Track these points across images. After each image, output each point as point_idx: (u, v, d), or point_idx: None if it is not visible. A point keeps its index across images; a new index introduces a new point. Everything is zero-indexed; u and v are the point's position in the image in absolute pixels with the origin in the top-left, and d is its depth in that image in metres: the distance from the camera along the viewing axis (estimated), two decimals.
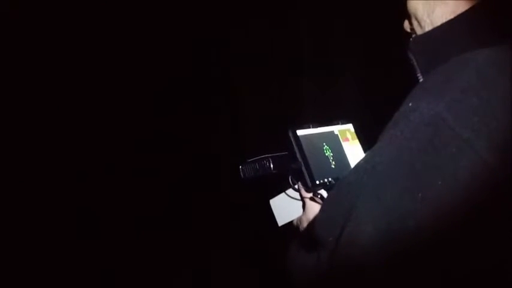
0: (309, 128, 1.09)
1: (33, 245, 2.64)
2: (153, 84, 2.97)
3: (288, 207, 1.17)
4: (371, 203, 0.74)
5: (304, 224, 1.11)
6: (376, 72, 2.42)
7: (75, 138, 2.81)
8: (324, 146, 1.10)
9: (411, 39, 0.92)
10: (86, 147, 2.83)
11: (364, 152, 1.16)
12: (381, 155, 0.78)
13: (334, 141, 1.13)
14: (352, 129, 1.19)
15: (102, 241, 2.78)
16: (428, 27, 0.87)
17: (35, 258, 2.63)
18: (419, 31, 0.89)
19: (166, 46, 2.94)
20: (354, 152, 1.15)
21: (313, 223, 0.89)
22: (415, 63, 0.89)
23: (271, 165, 1.12)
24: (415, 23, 0.91)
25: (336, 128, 1.15)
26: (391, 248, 0.72)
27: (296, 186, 1.11)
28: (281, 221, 1.20)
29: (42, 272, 2.63)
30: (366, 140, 1.17)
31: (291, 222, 1.18)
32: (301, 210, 1.14)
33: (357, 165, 0.84)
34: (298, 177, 1.07)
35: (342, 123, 1.17)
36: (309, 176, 1.04)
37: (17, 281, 2.56)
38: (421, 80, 0.88)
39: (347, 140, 1.16)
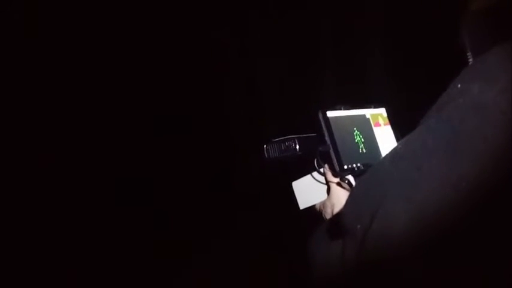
0: (340, 109, 1.05)
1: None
2: (170, 68, 2.94)
3: (311, 190, 1.13)
4: (407, 192, 0.69)
5: (328, 209, 1.07)
6: (412, 57, 2.34)
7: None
8: (354, 129, 1.05)
9: (466, 15, 0.85)
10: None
11: (396, 139, 1.11)
12: (423, 139, 0.72)
13: (365, 126, 1.08)
14: (385, 114, 1.13)
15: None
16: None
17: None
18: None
19: (183, 30, 2.90)
20: (385, 138, 1.10)
21: (341, 209, 0.84)
22: (466, 43, 0.82)
23: (297, 147, 1.08)
24: None
25: (367, 112, 1.10)
26: (425, 236, 0.67)
27: (322, 170, 1.07)
28: (303, 204, 1.16)
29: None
30: (399, 126, 1.12)
31: (312, 206, 1.14)
32: (325, 194, 1.10)
33: (395, 150, 0.78)
34: (326, 160, 1.02)
35: (375, 107, 1.12)
36: (337, 159, 0.99)
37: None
38: (470, 61, 0.81)
39: (378, 125, 1.11)
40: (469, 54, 0.82)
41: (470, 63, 0.80)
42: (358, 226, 0.74)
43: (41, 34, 2.68)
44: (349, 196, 0.83)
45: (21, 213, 2.62)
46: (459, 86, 0.72)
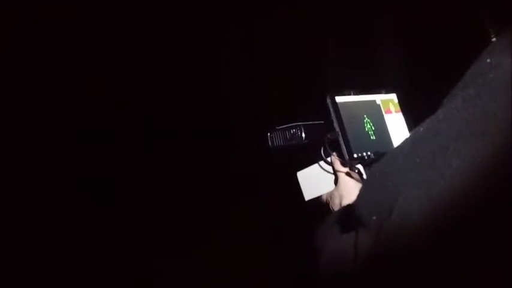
0: (350, 95, 0.98)
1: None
2: (172, 60, 2.91)
3: (317, 181, 1.08)
4: (430, 177, 0.62)
5: (336, 201, 1.01)
6: (423, 41, 2.27)
7: None
8: (364, 116, 0.99)
9: None
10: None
11: (408, 127, 1.05)
12: (448, 119, 0.65)
13: (376, 112, 1.02)
14: (396, 100, 1.07)
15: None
16: None
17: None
18: None
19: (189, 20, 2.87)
20: (397, 126, 1.04)
21: (354, 201, 0.78)
22: (487, 18, 0.75)
23: (303, 134, 1.02)
24: None
25: (378, 97, 1.04)
26: (446, 226, 0.61)
27: (329, 159, 1.01)
28: (308, 195, 1.10)
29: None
30: (411, 113, 1.06)
31: (319, 198, 1.08)
32: (332, 184, 1.05)
33: (416, 133, 0.70)
34: (334, 148, 0.96)
35: (386, 92, 1.06)
36: (346, 148, 0.93)
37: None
38: (493, 38, 0.74)
39: (389, 112, 1.05)
40: (491, 30, 0.75)
41: (494, 40, 0.73)
42: (374, 217, 0.68)
43: (41, 34, 2.65)
44: (363, 186, 0.77)
45: (21, 213, 2.60)
46: (488, 60, 0.65)
